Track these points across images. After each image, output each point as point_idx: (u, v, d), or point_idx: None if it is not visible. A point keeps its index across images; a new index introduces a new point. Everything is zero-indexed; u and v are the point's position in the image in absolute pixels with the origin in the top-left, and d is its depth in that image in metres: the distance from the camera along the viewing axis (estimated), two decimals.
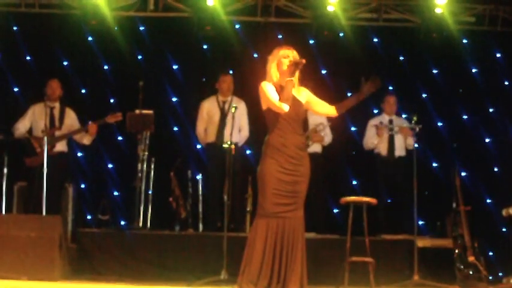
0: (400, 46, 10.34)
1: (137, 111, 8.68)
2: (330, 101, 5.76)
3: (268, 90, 5.47)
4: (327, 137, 8.91)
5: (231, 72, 9.24)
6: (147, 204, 8.75)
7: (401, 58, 10.36)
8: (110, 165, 9.94)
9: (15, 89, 9.91)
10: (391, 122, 9.11)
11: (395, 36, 10.24)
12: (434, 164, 9.96)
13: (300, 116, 5.57)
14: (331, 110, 5.69)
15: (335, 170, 9.71)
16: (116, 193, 9.85)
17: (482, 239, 8.13)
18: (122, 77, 9.97)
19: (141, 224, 8.60)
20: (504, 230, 9.25)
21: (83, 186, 9.73)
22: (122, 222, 9.44)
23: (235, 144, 8.52)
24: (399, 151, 9.05)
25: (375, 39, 10.33)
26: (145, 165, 8.69)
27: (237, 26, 10.09)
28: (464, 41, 10.13)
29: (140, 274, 7.81)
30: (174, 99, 10.12)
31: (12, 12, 9.84)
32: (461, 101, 10.25)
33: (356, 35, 9.90)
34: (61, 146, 8.62)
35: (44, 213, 7.83)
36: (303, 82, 5.63)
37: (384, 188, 9.06)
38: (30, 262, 6.94)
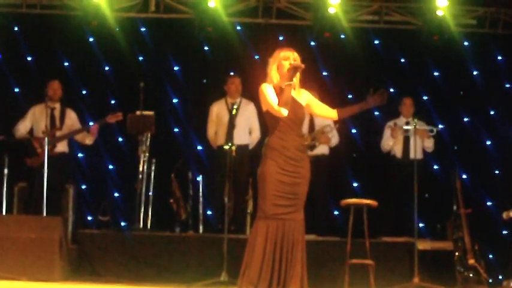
0: (401, 48, 10.33)
1: (138, 113, 8.69)
2: (331, 103, 5.76)
3: (268, 93, 5.46)
4: (334, 138, 8.87)
5: (231, 73, 9.23)
6: (147, 206, 8.75)
7: (402, 60, 10.36)
8: (110, 166, 9.94)
9: (16, 90, 9.91)
10: (407, 124, 8.85)
11: (396, 39, 10.24)
12: (435, 167, 9.95)
13: (300, 118, 5.56)
14: (331, 113, 5.69)
15: (336, 172, 9.70)
16: (116, 194, 9.86)
17: (483, 242, 8.12)
18: (122, 78, 9.97)
19: (141, 226, 8.59)
20: (505, 232, 9.25)
21: (83, 187, 9.73)
22: (122, 224, 9.43)
23: (244, 146, 8.52)
24: (415, 154, 8.58)
25: (376, 42, 10.33)
26: (145, 167, 8.68)
27: (238, 28, 10.10)
28: (465, 43, 10.13)
29: (140, 275, 7.80)
30: (175, 101, 10.12)
31: (13, 12, 9.85)
32: (462, 104, 10.25)
33: (357, 37, 9.90)
34: (62, 147, 8.63)
35: (44, 214, 7.84)
36: (303, 84, 5.63)
37: (396, 190, 8.95)
38: (30, 263, 6.95)
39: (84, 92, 10.02)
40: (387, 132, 9.04)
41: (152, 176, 8.87)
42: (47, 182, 7.94)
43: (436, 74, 10.32)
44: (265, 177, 5.43)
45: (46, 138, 8.14)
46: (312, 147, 8.50)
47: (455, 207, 8.13)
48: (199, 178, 9.19)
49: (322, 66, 10.18)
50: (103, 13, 9.38)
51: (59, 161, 8.45)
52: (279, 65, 5.53)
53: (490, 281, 7.98)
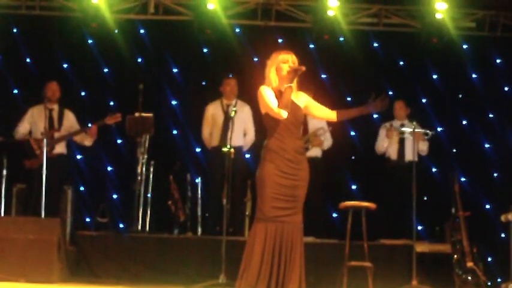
0: (400, 51, 10.34)
1: (137, 114, 8.68)
2: (330, 105, 5.75)
3: (267, 96, 5.46)
4: (327, 141, 8.90)
5: (230, 76, 9.24)
6: (146, 208, 8.74)
7: (401, 63, 10.37)
8: (109, 168, 9.94)
9: (15, 91, 9.91)
10: (402, 126, 8.90)
11: (395, 41, 10.25)
12: (434, 169, 9.95)
13: (298, 120, 5.56)
14: (331, 115, 5.68)
15: (334, 174, 9.71)
16: (115, 196, 9.86)
17: (481, 245, 8.12)
18: (121, 79, 9.98)
19: (140, 227, 8.58)
20: (503, 235, 9.23)
21: (82, 188, 9.73)
22: (121, 225, 9.44)
23: (239, 148, 8.52)
24: (410, 156, 8.67)
25: (375, 44, 10.34)
26: (144, 168, 8.68)
27: (237, 30, 10.11)
28: (465, 46, 10.13)
29: (139, 277, 7.80)
30: (173, 103, 10.13)
31: (12, 14, 9.84)
32: (461, 106, 10.26)
33: (356, 39, 9.90)
34: (60, 148, 8.63)
35: (42, 215, 7.82)
36: (302, 86, 5.62)
37: (391, 192, 8.97)
38: (28, 264, 6.93)
39: (83, 93, 10.04)
40: (382, 133, 9.06)
41: (151, 178, 8.87)
42: (46, 183, 7.93)
43: (435, 76, 10.33)
44: (264, 180, 5.42)
45: (45, 140, 8.14)
46: (305, 149, 8.50)
47: (453, 210, 8.12)
48: (198, 180, 9.18)
49: (321, 69, 10.19)
50: (102, 15, 9.38)
51: (58, 162, 8.45)
52: (277, 68, 5.52)
53: (489, 283, 7.98)
